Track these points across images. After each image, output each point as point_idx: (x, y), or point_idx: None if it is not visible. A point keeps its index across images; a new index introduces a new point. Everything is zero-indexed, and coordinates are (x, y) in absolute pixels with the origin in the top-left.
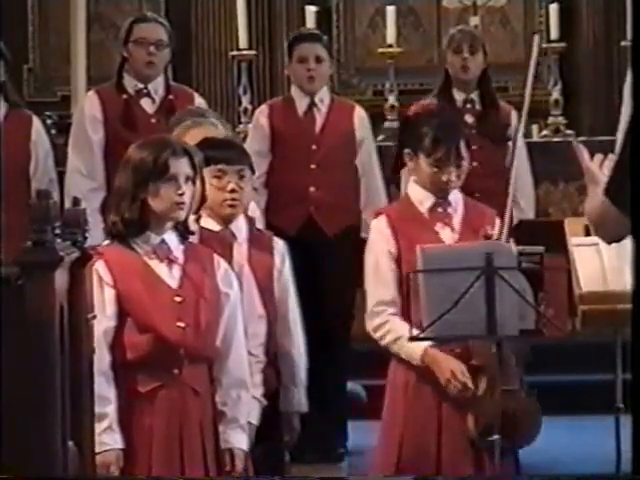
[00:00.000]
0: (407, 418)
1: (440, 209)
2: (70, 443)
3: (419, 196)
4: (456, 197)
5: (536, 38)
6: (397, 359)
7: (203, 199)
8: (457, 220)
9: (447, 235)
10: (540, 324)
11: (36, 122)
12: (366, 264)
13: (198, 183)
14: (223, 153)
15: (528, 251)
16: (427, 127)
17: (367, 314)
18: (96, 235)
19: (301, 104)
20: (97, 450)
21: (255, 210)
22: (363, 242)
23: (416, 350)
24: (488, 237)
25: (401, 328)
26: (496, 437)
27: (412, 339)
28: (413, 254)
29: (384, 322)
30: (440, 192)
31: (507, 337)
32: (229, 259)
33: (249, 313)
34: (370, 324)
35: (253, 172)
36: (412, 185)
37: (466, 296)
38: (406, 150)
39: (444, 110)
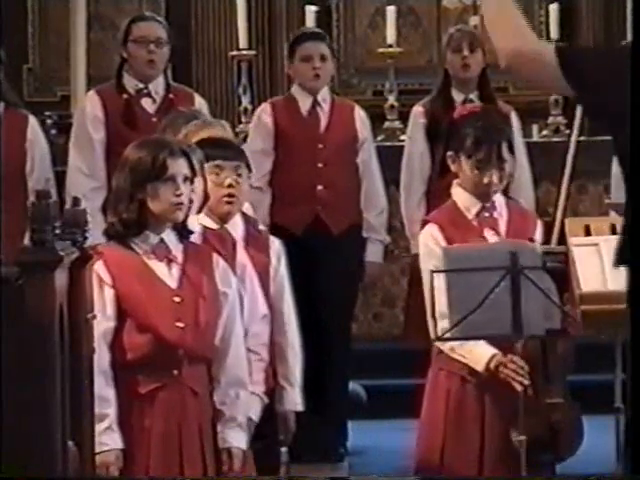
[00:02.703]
0: (449, 424)
1: (487, 214)
2: (70, 443)
3: (466, 202)
4: (500, 201)
5: None
6: (439, 364)
7: (206, 197)
8: (503, 224)
9: (494, 240)
10: (566, 324)
11: (32, 121)
12: (424, 273)
13: (200, 181)
14: (220, 150)
15: (553, 251)
16: (469, 128)
17: (432, 320)
18: (98, 235)
19: (304, 103)
20: (96, 450)
21: (248, 209)
22: (364, 241)
23: (480, 357)
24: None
25: (476, 344)
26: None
27: (437, 339)
28: None
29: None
30: (483, 195)
31: (532, 336)
32: (232, 258)
33: (252, 312)
34: (434, 330)
35: (250, 170)
36: (457, 190)
37: (491, 296)
38: (449, 152)
39: (487, 112)
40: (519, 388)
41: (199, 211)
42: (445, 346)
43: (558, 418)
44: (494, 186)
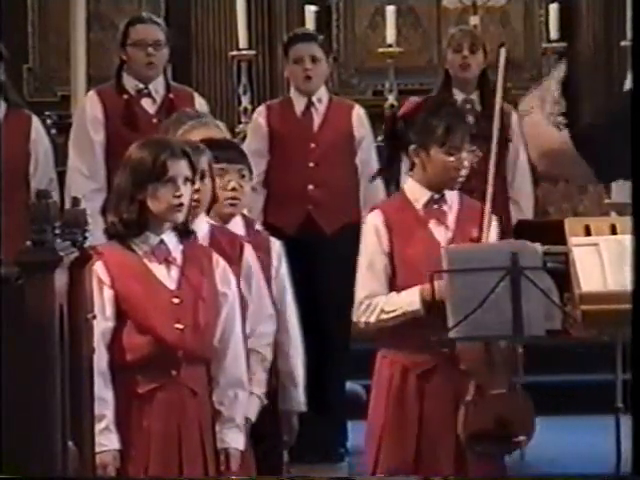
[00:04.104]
0: (389, 413)
1: (435, 206)
2: (70, 443)
3: (415, 193)
4: (451, 194)
5: (502, 51)
6: (382, 353)
7: (214, 198)
8: (452, 218)
9: (441, 232)
10: (567, 324)
11: (36, 122)
12: (360, 257)
13: (209, 181)
14: (224, 152)
15: (553, 251)
16: (436, 118)
17: (355, 305)
18: (98, 235)
19: (299, 104)
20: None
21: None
22: None
23: (411, 295)
24: (474, 240)
25: (386, 297)
26: (522, 438)
27: (437, 340)
28: (407, 250)
29: (375, 300)
30: (450, 183)
31: (534, 337)
32: (239, 258)
33: (259, 312)
34: (357, 312)
35: (251, 173)
36: (408, 181)
37: (492, 296)
38: (412, 147)
39: (444, 98)
40: None
41: (207, 212)
42: (371, 318)
43: (502, 410)
44: (464, 170)
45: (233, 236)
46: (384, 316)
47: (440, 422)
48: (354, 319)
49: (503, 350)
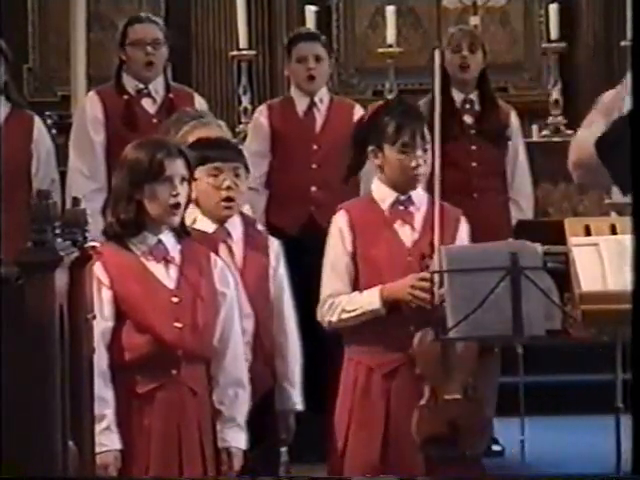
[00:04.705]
0: (354, 414)
1: (401, 207)
2: (70, 443)
3: (381, 194)
4: (420, 196)
5: (437, 53)
6: (348, 355)
7: (188, 200)
8: (419, 219)
9: (406, 233)
10: (567, 324)
11: (38, 122)
12: (325, 256)
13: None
14: (219, 151)
15: (553, 251)
16: (388, 117)
17: (320, 304)
18: (97, 236)
19: (301, 104)
20: (95, 451)
21: (248, 210)
22: None
23: (371, 294)
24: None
25: (348, 296)
26: (499, 448)
27: (437, 340)
28: (371, 251)
29: (337, 299)
30: (410, 183)
31: (533, 337)
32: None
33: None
34: (321, 311)
35: (248, 171)
36: (376, 182)
37: (491, 296)
38: (370, 147)
39: (401, 99)
40: (427, 304)
41: (203, 212)
42: (333, 317)
43: (456, 414)
44: (421, 169)
45: (209, 238)
46: (345, 315)
47: (406, 421)
48: (318, 318)
49: (460, 355)
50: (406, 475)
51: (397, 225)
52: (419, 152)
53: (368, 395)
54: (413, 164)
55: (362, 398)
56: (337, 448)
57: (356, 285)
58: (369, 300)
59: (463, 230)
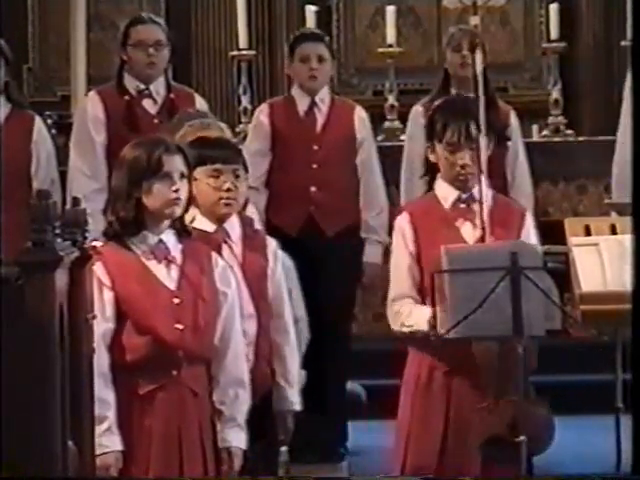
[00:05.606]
0: (415, 412)
1: (463, 205)
2: (70, 443)
3: (443, 192)
4: (484, 193)
5: (477, 56)
6: (413, 353)
7: (189, 198)
8: (484, 216)
9: (468, 231)
10: (567, 324)
11: (38, 122)
12: (391, 259)
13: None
14: (219, 152)
15: (554, 251)
16: (438, 114)
17: (388, 308)
18: (98, 236)
19: (302, 104)
20: (96, 452)
21: (254, 213)
22: (362, 242)
23: (424, 313)
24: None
25: (409, 307)
26: (522, 438)
27: (436, 339)
28: (434, 251)
29: (402, 308)
30: (460, 179)
31: (533, 337)
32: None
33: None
34: (389, 315)
35: (247, 171)
36: (438, 180)
37: (492, 296)
38: (427, 144)
39: (456, 97)
40: None
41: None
42: (396, 327)
43: (516, 416)
44: (468, 167)
45: (210, 238)
46: (405, 329)
47: (466, 419)
48: (389, 320)
49: (515, 357)
50: (462, 474)
51: (458, 223)
52: (465, 150)
53: (430, 392)
54: (459, 162)
55: (423, 395)
56: (399, 444)
57: (422, 286)
58: (422, 321)
59: (529, 226)
